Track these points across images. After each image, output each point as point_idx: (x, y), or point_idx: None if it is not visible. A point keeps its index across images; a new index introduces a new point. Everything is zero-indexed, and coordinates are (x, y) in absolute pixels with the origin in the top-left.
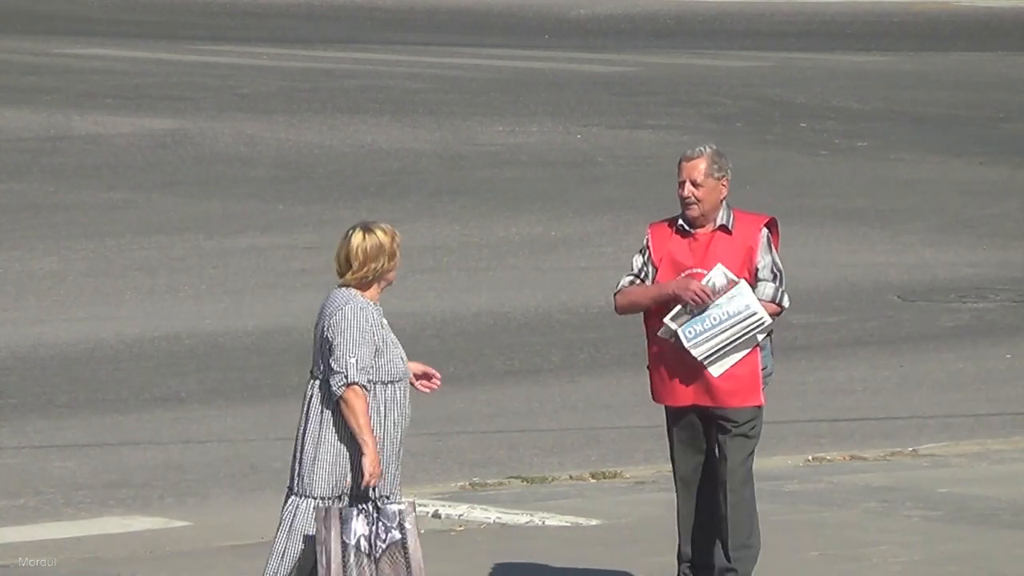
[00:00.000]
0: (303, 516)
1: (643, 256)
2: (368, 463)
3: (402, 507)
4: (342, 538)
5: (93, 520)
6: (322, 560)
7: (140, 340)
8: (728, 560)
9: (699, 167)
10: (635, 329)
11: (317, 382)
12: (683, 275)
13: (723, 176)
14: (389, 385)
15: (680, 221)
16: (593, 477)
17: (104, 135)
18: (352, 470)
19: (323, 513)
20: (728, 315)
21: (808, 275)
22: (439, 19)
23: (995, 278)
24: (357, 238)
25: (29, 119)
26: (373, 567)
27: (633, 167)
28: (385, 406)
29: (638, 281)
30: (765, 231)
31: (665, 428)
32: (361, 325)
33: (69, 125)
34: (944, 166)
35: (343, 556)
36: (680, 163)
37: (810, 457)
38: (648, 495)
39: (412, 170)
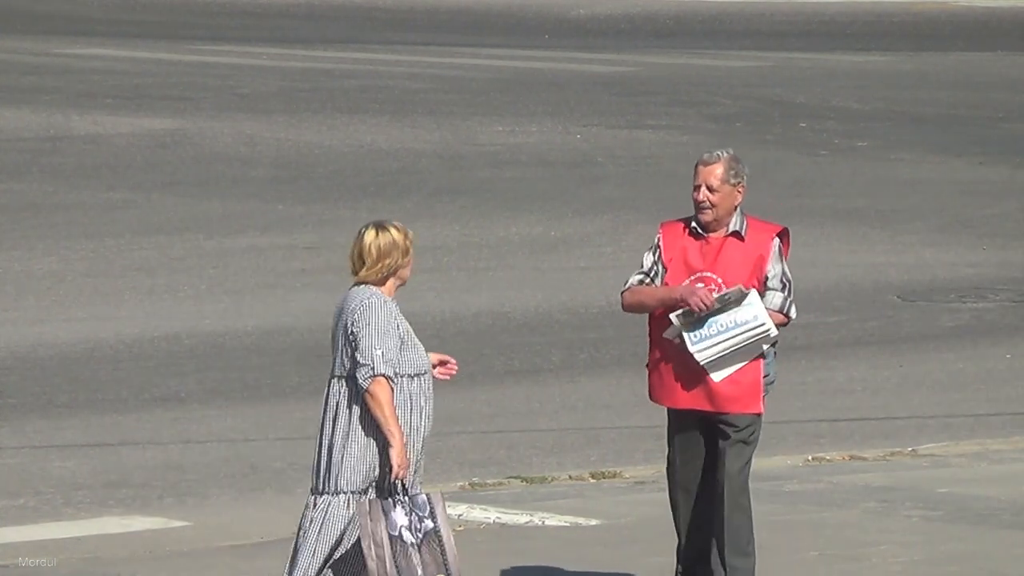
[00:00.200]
0: (335, 513)
1: (653, 255)
2: (396, 455)
3: (431, 495)
4: (387, 530)
5: (93, 520)
6: (371, 553)
7: (140, 340)
8: (724, 567)
9: (716, 172)
10: (635, 329)
11: (340, 380)
12: (692, 278)
13: (739, 182)
14: (414, 378)
15: (693, 223)
16: (593, 477)
17: (104, 135)
18: (381, 464)
19: (367, 507)
20: (736, 323)
21: (808, 275)
22: (439, 19)
23: (995, 278)
24: (369, 236)
25: (29, 119)
26: (417, 555)
27: (633, 167)
28: (411, 400)
29: (647, 280)
30: (776, 241)
31: (666, 429)
32: (385, 318)
33: (69, 125)
34: (944, 166)
35: (392, 547)
36: (697, 166)
37: (810, 457)
38: (648, 495)
39: (412, 170)
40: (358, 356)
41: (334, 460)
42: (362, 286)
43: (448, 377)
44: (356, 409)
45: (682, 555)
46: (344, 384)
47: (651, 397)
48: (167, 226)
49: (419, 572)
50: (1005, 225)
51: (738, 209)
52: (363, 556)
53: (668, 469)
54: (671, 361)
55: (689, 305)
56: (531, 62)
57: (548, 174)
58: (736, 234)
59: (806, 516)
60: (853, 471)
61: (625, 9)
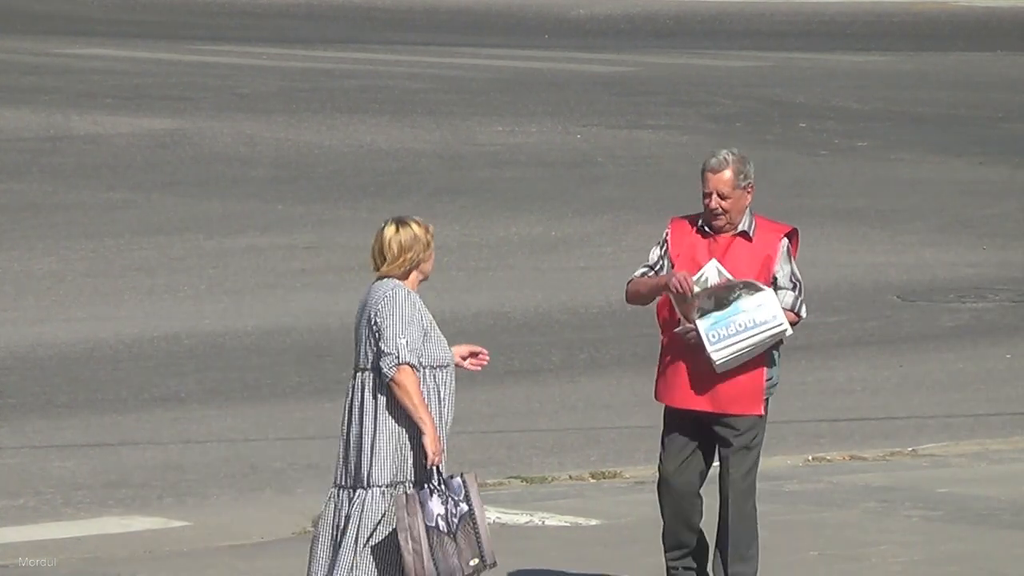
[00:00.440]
0: (371, 507)
1: (660, 249)
2: (429, 442)
3: (465, 477)
4: (424, 522)
5: (92, 520)
6: (408, 547)
7: (139, 340)
8: (725, 572)
9: (725, 178)
10: (635, 329)
11: (364, 374)
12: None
13: (748, 183)
14: (438, 369)
15: (701, 222)
16: (593, 477)
17: (103, 135)
18: (413, 452)
19: (404, 500)
20: (755, 322)
21: (808, 275)
22: (439, 19)
23: (995, 278)
24: (389, 231)
25: (29, 119)
26: (453, 544)
27: (633, 167)
28: (437, 390)
29: (651, 273)
30: (785, 241)
31: (655, 435)
32: (409, 308)
33: (68, 125)
34: (944, 166)
35: (429, 541)
36: (705, 173)
37: (810, 457)
38: (648, 495)
39: (412, 170)
40: (382, 346)
41: (364, 453)
42: (385, 279)
43: (479, 368)
44: (382, 400)
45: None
46: (369, 376)
47: (656, 396)
48: (167, 226)
49: (455, 561)
50: (1005, 225)
51: (748, 209)
52: (399, 549)
53: (660, 469)
54: (678, 363)
55: (670, 290)
56: (531, 62)
57: (548, 174)
58: (744, 234)
59: (806, 516)
60: (853, 471)
61: (625, 9)
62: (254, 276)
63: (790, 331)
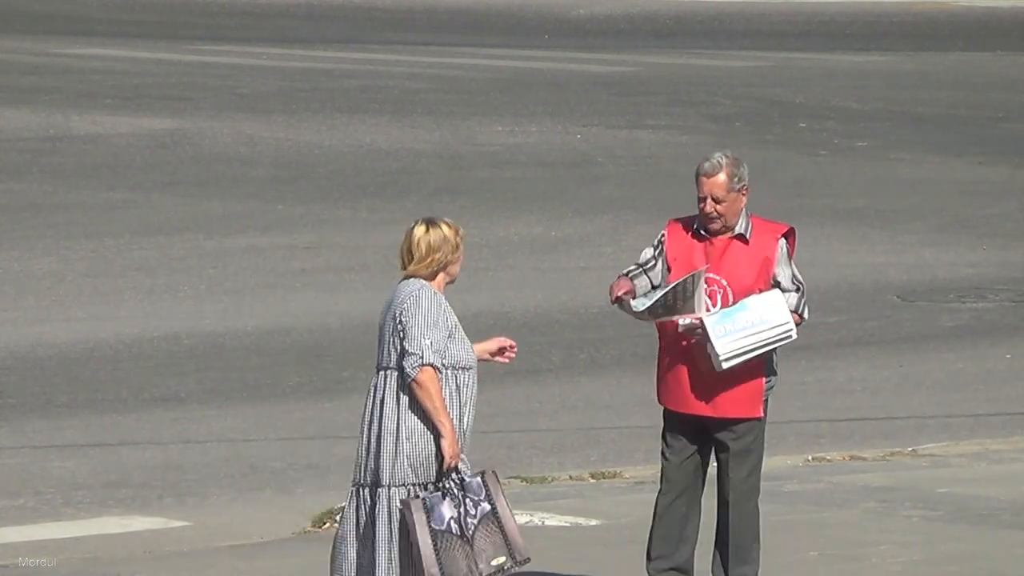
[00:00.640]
0: (396, 505)
1: (655, 250)
2: (447, 444)
3: (486, 477)
4: (431, 525)
5: (92, 520)
6: (412, 550)
7: (139, 340)
8: (727, 575)
9: (719, 181)
10: (635, 329)
11: (387, 372)
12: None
13: (743, 186)
14: (461, 371)
15: (696, 225)
16: (593, 477)
17: (103, 135)
18: (432, 454)
19: (407, 504)
20: (762, 320)
21: (808, 275)
22: (438, 19)
23: (995, 278)
24: (419, 231)
25: (28, 119)
26: (467, 547)
27: (633, 167)
28: (458, 393)
29: (640, 272)
30: (783, 242)
31: (655, 435)
32: (434, 309)
33: (68, 125)
34: (944, 166)
35: (434, 544)
36: (699, 178)
37: (810, 457)
38: (648, 495)
39: (411, 170)
40: (406, 345)
41: (386, 452)
42: (411, 279)
43: (509, 361)
44: (404, 400)
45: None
46: (392, 376)
47: (658, 400)
48: (167, 226)
49: (462, 565)
50: (1005, 225)
51: (743, 211)
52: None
53: (662, 471)
54: (677, 367)
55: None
56: (531, 62)
57: (548, 174)
58: (741, 236)
59: (806, 516)
60: (853, 471)
61: (625, 9)
62: (254, 276)
63: (795, 334)
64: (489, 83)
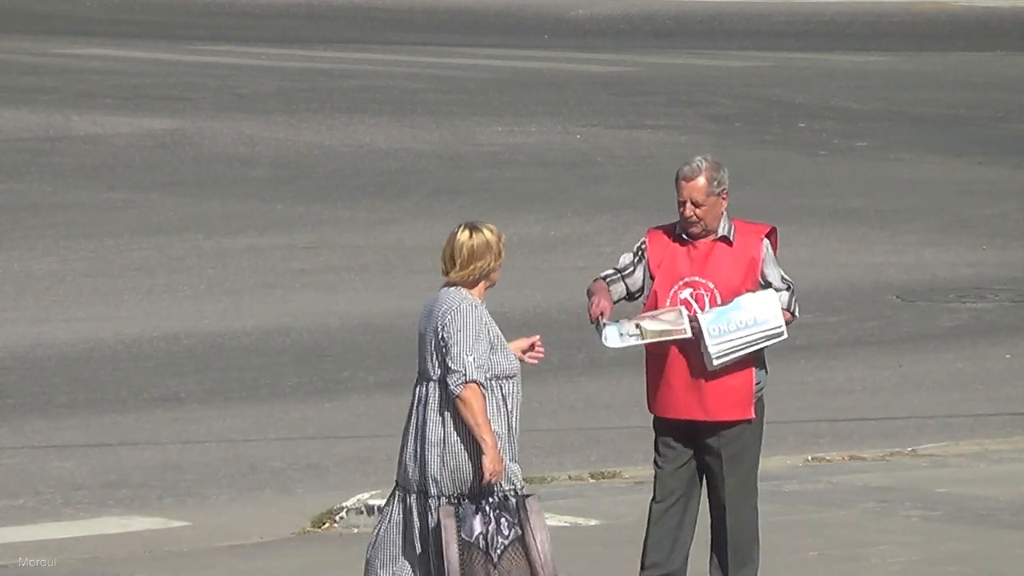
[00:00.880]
0: (434, 513)
1: (634, 257)
2: (488, 461)
3: (527, 501)
4: (460, 535)
5: (92, 520)
6: (453, 557)
7: (139, 340)
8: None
9: (699, 185)
10: None
11: (431, 384)
12: (680, 283)
13: (723, 190)
14: (505, 380)
15: (678, 230)
16: (592, 477)
17: (103, 135)
18: (474, 468)
19: (451, 511)
20: (755, 320)
21: (807, 275)
22: (438, 19)
23: (994, 278)
24: (463, 236)
25: (28, 119)
26: (490, 566)
27: (632, 167)
28: (504, 401)
29: (618, 278)
30: (766, 242)
31: (653, 437)
32: (476, 323)
33: (68, 125)
34: (943, 166)
35: (460, 555)
36: (679, 182)
37: (809, 457)
38: (647, 495)
39: (411, 170)
40: (449, 362)
41: (428, 464)
42: (452, 288)
43: (536, 361)
44: (447, 414)
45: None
46: (435, 387)
47: (649, 408)
48: (166, 226)
49: None
50: (1005, 225)
51: (724, 214)
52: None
53: (655, 477)
54: (665, 373)
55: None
56: (530, 62)
57: (547, 174)
58: (724, 239)
59: (805, 516)
60: (852, 471)
61: (624, 9)
62: (253, 276)
63: (786, 335)
64: (488, 83)
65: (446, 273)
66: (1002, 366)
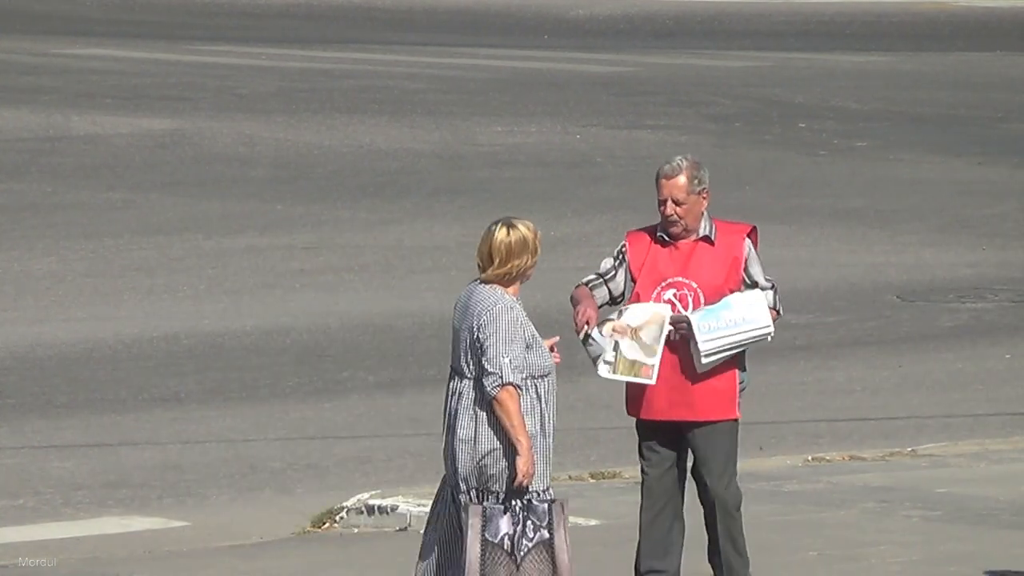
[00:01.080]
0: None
1: (615, 261)
2: (522, 463)
3: (552, 505)
4: (484, 535)
5: (92, 520)
6: (465, 556)
7: (139, 340)
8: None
9: (679, 184)
10: None
11: (465, 381)
12: (663, 284)
13: (703, 189)
14: (540, 379)
15: (660, 232)
16: (592, 477)
17: (103, 135)
18: (504, 469)
19: (479, 510)
20: (744, 319)
21: (807, 275)
22: (437, 19)
23: (994, 278)
24: (501, 234)
25: (28, 119)
26: (513, 568)
27: (632, 167)
28: (539, 401)
29: (600, 282)
30: (748, 241)
31: (637, 442)
32: (512, 324)
33: (68, 125)
34: (943, 166)
35: (482, 554)
36: (659, 180)
37: (809, 457)
38: None
39: (411, 170)
40: (485, 364)
41: (460, 461)
42: (488, 287)
43: (556, 363)
44: (479, 412)
45: (642, 567)
46: (469, 386)
47: (628, 411)
48: (166, 226)
49: None
50: (1004, 225)
51: (705, 213)
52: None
53: (642, 483)
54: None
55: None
56: (530, 62)
57: (547, 174)
58: (706, 239)
59: (805, 516)
60: (852, 471)
61: (624, 9)
62: (253, 276)
63: (772, 334)
64: (488, 83)
65: (483, 270)
66: (1002, 366)
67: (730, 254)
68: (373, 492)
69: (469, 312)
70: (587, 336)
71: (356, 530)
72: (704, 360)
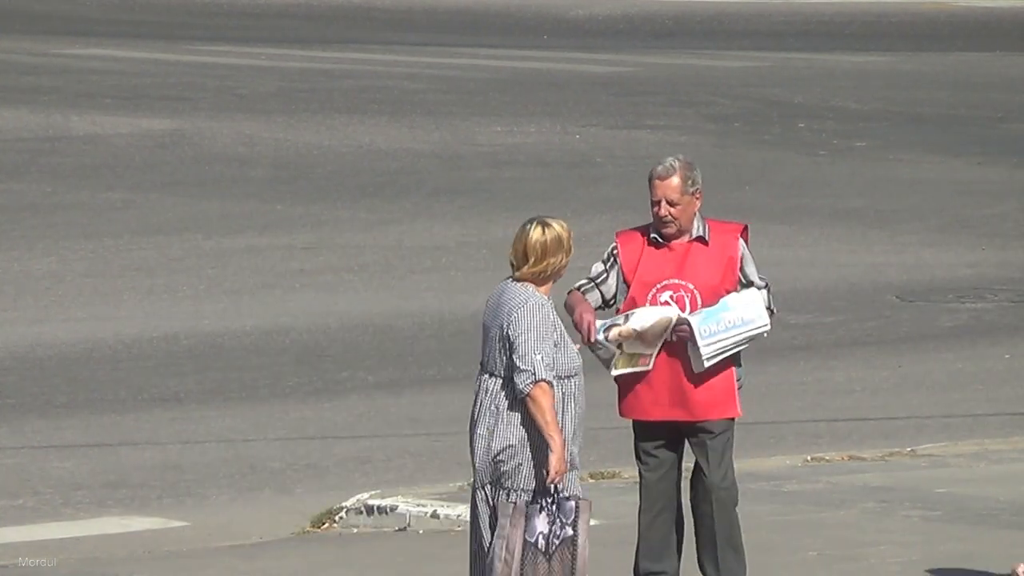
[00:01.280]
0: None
1: (606, 264)
2: (555, 460)
3: (580, 503)
4: (524, 536)
5: (92, 520)
6: (500, 555)
7: (138, 340)
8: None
9: (673, 184)
10: None
11: (495, 379)
12: (659, 286)
13: (696, 189)
14: (566, 380)
15: (653, 233)
16: (593, 477)
17: (102, 135)
18: (536, 466)
19: (510, 509)
20: (742, 320)
21: (807, 275)
22: (437, 19)
23: (994, 278)
24: (536, 232)
25: (27, 119)
26: (546, 564)
27: (631, 167)
28: (567, 400)
29: (592, 287)
30: (742, 241)
31: (633, 444)
32: (543, 321)
33: (67, 125)
34: (943, 166)
35: (522, 555)
36: (652, 181)
37: (809, 457)
38: None
39: (410, 170)
40: (517, 361)
41: (480, 455)
42: (519, 284)
43: None
44: (513, 411)
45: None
46: (499, 383)
47: (621, 412)
48: (166, 226)
49: None
50: (1004, 225)
51: (698, 214)
52: (492, 553)
53: (641, 485)
54: (646, 376)
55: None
56: (529, 62)
57: (547, 174)
58: (700, 239)
59: (805, 516)
60: (852, 471)
61: (624, 9)
62: (253, 276)
63: (769, 330)
64: (488, 83)
65: (516, 269)
66: (1001, 366)
67: (725, 254)
68: (373, 492)
69: (500, 309)
70: (595, 341)
71: (356, 530)
72: (706, 363)
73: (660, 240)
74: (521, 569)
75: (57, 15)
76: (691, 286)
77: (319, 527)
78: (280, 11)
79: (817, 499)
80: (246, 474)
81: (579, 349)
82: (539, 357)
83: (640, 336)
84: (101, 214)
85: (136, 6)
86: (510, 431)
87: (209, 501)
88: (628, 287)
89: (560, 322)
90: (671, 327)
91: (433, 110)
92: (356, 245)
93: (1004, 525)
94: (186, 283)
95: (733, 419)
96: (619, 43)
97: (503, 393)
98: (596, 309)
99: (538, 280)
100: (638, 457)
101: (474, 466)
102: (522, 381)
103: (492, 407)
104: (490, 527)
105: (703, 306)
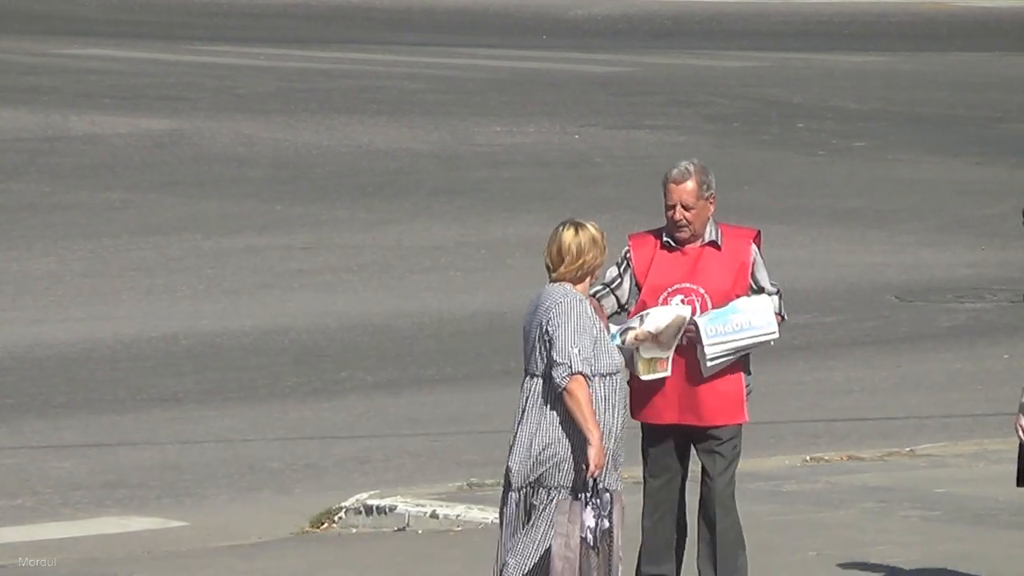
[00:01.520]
0: (545, 508)
1: (620, 268)
2: (594, 454)
3: (614, 494)
4: (579, 533)
5: (91, 520)
6: (561, 552)
7: (138, 340)
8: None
9: (688, 188)
10: None
11: (535, 379)
12: (670, 290)
13: (711, 194)
14: (607, 378)
15: (666, 237)
16: None
17: (101, 135)
18: (576, 461)
19: (567, 506)
20: (751, 324)
21: (806, 275)
22: (436, 19)
23: (993, 278)
24: (568, 234)
25: (26, 119)
26: (596, 558)
27: (631, 167)
28: (604, 398)
29: (607, 292)
30: (755, 246)
31: (640, 446)
32: (581, 316)
33: (66, 125)
34: (942, 166)
35: (579, 551)
36: (667, 185)
37: (808, 457)
38: None
39: (409, 170)
40: (554, 355)
41: (536, 457)
42: (557, 284)
43: None
44: (551, 407)
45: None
46: (538, 382)
47: (633, 415)
48: (165, 226)
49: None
50: (1003, 225)
51: (711, 219)
52: (550, 553)
53: (645, 490)
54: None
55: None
56: (529, 62)
57: (546, 174)
58: (713, 244)
59: (804, 516)
60: (851, 471)
61: (623, 9)
62: (252, 276)
63: (777, 337)
64: (487, 83)
65: (553, 271)
66: (1000, 366)
67: (737, 259)
68: (372, 492)
69: (539, 309)
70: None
71: (355, 530)
72: (708, 364)
73: (673, 244)
74: (580, 565)
75: (57, 15)
76: (702, 290)
77: (318, 527)
78: (279, 11)
79: (816, 499)
80: (245, 474)
81: None
82: (576, 351)
83: (655, 338)
84: (100, 214)
85: (135, 6)
86: (551, 429)
87: (208, 501)
88: (640, 290)
89: (599, 320)
90: (684, 325)
91: (432, 110)
92: (355, 245)
93: (1003, 525)
94: (185, 283)
95: (741, 425)
96: (618, 43)
97: (543, 392)
98: (612, 315)
99: (576, 278)
100: (644, 462)
101: (509, 468)
102: (559, 374)
103: (533, 407)
104: (521, 528)
105: (713, 309)
